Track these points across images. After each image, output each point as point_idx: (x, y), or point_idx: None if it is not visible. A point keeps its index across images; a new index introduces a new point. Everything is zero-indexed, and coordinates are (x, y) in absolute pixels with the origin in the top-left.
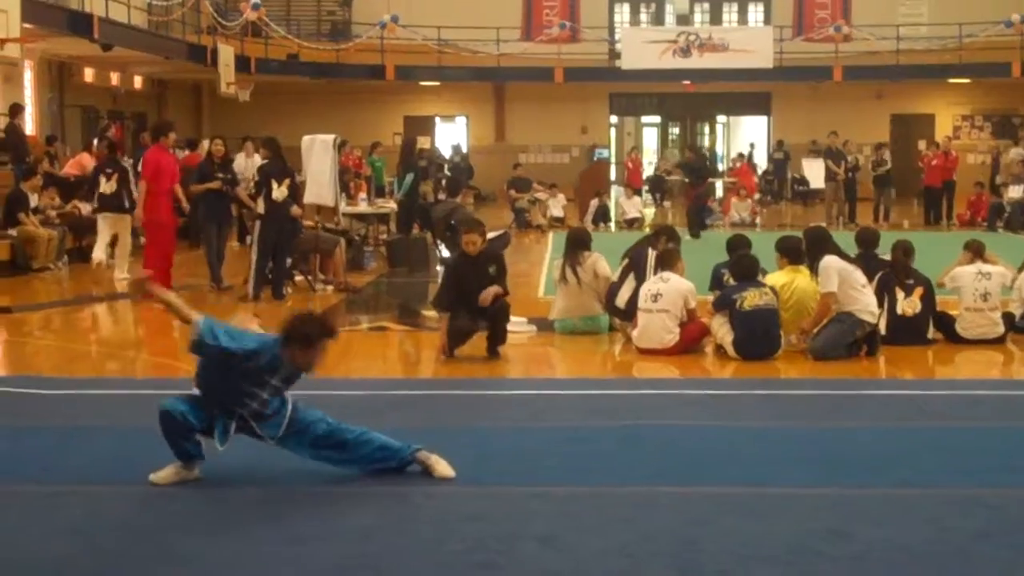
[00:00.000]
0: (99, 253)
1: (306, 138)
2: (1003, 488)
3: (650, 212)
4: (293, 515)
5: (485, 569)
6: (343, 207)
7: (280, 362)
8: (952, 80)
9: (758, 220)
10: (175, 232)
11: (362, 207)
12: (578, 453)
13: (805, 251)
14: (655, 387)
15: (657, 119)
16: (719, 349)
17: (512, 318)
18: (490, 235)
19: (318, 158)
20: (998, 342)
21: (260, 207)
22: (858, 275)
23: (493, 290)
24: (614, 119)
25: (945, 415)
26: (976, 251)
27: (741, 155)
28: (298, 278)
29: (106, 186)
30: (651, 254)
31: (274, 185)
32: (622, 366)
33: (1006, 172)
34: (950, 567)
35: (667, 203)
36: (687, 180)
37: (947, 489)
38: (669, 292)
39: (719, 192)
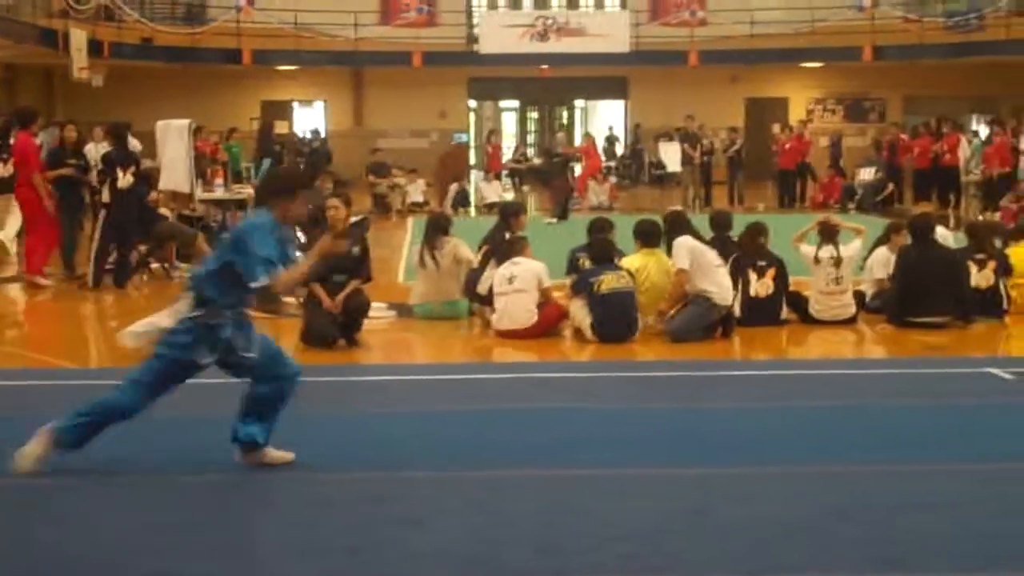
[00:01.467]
0: None
1: (160, 123)
2: (858, 465)
3: (509, 197)
4: (153, 503)
5: (349, 554)
6: (199, 193)
7: (278, 227)
8: (805, 64)
9: (615, 204)
10: (53, 217)
11: (219, 193)
12: (439, 438)
13: (664, 234)
14: (515, 371)
15: (516, 103)
16: (577, 332)
17: (372, 304)
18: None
19: (173, 144)
20: (850, 322)
21: (105, 195)
22: (712, 256)
23: (343, 297)
24: (473, 103)
25: (800, 395)
26: (828, 234)
27: (587, 134)
28: (154, 265)
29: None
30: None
31: (119, 173)
32: (482, 350)
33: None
34: (810, 544)
35: (526, 187)
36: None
37: (805, 467)
38: (523, 273)
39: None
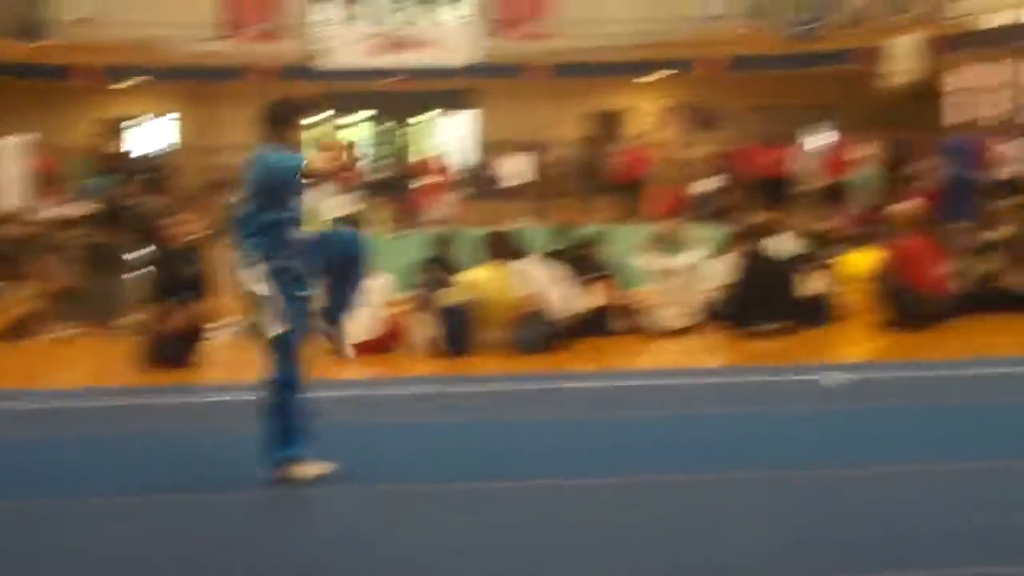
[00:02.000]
0: None
1: None
2: (693, 473)
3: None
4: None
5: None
6: (38, 212)
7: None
8: (651, 75)
9: (461, 217)
10: None
11: (57, 211)
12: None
13: (510, 247)
14: (358, 387)
15: (363, 117)
16: (421, 346)
17: (214, 321)
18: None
19: (7, 162)
20: (689, 331)
21: None
22: (551, 270)
23: (184, 315)
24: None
25: (638, 404)
26: (668, 242)
27: (434, 147)
28: None
29: None
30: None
31: None
32: (326, 367)
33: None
34: (654, 551)
35: (375, 201)
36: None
37: (644, 476)
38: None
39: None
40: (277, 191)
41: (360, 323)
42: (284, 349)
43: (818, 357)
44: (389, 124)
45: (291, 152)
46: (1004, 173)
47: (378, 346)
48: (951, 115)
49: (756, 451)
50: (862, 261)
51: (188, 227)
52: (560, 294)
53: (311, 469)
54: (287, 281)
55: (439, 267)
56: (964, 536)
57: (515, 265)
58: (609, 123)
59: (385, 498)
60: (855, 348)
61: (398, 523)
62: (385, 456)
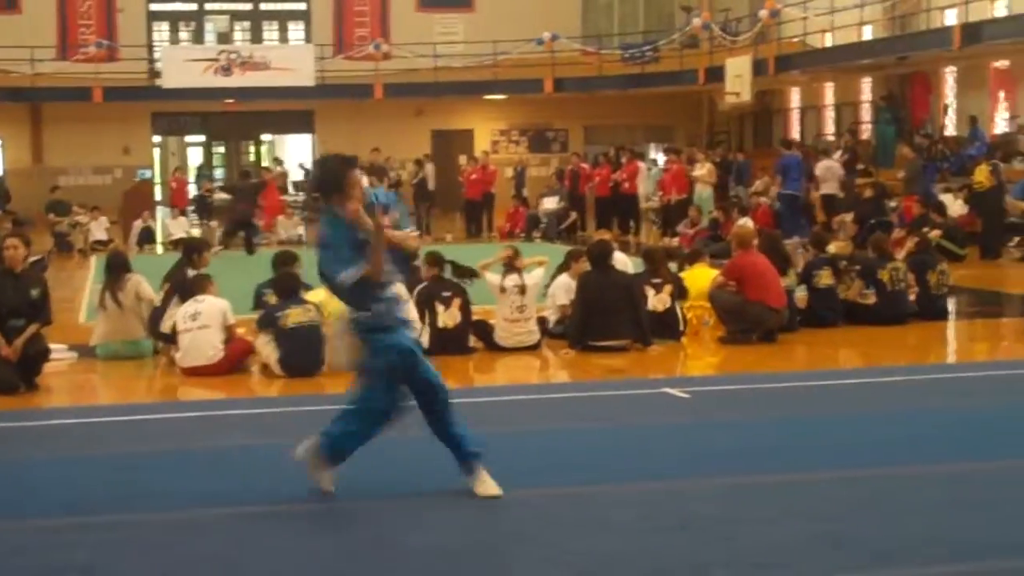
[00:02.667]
0: None
1: None
2: (542, 488)
3: (196, 233)
4: None
5: None
6: None
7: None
8: (489, 96)
9: (304, 238)
10: None
11: None
12: (123, 481)
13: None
14: (201, 409)
15: (202, 138)
16: (265, 368)
17: (52, 345)
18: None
19: None
20: (534, 348)
21: None
22: (399, 290)
23: (21, 341)
24: (157, 139)
25: (489, 421)
26: (509, 261)
27: (276, 167)
28: None
29: None
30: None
31: None
32: (167, 390)
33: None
34: (487, 567)
35: (213, 223)
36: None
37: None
38: (206, 310)
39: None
40: None
41: (204, 345)
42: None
43: (664, 371)
44: (229, 145)
45: None
46: (825, 189)
47: (222, 368)
48: (785, 133)
49: (606, 464)
50: (704, 277)
51: (23, 252)
52: (404, 315)
53: (328, 481)
54: None
55: (281, 287)
56: (821, 544)
57: None
58: (450, 143)
59: (264, 519)
60: (699, 362)
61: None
62: (244, 478)
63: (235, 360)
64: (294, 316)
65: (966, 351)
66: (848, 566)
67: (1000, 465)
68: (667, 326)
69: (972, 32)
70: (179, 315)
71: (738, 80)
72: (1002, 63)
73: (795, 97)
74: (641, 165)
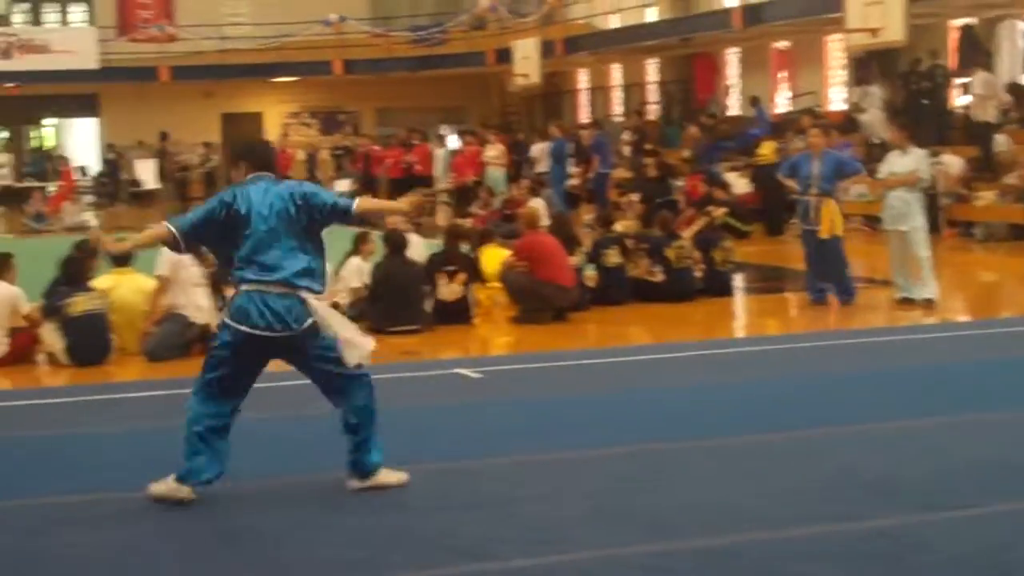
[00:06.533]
0: None
1: None
2: (333, 472)
3: None
4: None
5: None
6: None
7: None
8: (278, 79)
9: (94, 222)
10: None
11: None
12: None
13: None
14: None
15: None
16: (52, 357)
17: None
18: None
19: None
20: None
21: None
22: (194, 273)
23: None
24: None
25: (277, 405)
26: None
27: (60, 155)
28: None
29: None
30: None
31: None
32: None
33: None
34: (278, 548)
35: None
36: None
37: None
38: None
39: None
40: None
41: None
42: None
43: (458, 352)
44: (12, 130)
45: None
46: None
47: (8, 359)
48: (575, 114)
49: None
50: (497, 258)
51: None
52: (195, 301)
53: (393, 477)
54: None
55: (66, 274)
56: (608, 519)
57: (157, 260)
58: (239, 126)
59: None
60: (492, 342)
61: None
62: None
63: (20, 352)
64: (80, 303)
65: (751, 326)
66: (627, 540)
67: (775, 436)
68: (458, 314)
69: (753, 13)
70: None
71: (526, 62)
72: (783, 44)
73: (583, 78)
74: (432, 147)
